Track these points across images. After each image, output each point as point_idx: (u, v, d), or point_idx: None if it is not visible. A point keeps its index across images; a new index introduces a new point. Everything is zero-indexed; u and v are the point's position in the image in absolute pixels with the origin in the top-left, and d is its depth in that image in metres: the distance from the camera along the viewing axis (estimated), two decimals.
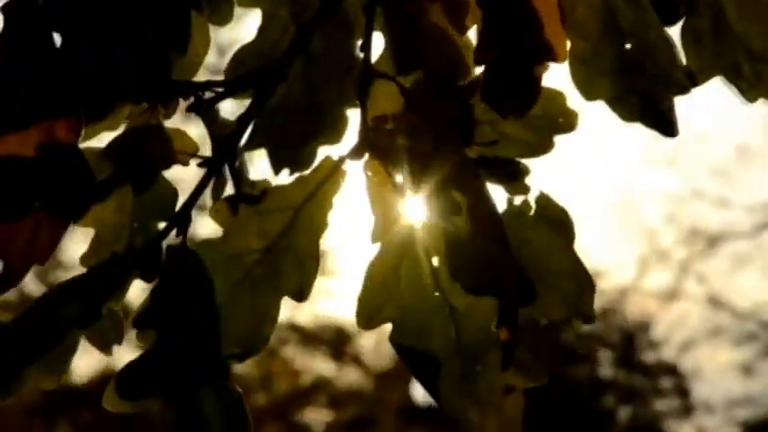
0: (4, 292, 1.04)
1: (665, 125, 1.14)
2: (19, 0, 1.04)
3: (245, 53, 1.23)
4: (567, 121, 1.16)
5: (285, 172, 1.20)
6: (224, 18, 1.23)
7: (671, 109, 1.14)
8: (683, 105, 1.15)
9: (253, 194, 1.13)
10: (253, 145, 1.20)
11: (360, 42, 1.16)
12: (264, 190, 1.14)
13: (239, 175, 1.14)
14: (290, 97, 1.21)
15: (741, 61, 1.14)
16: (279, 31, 1.24)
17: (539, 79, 1.08)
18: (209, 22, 1.21)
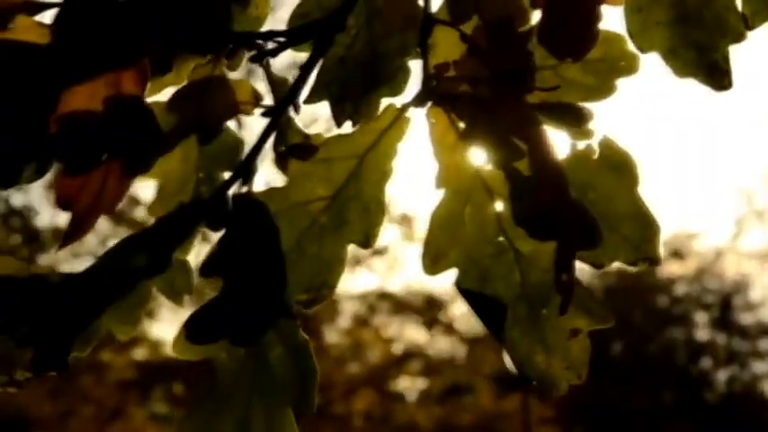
0: (71, 242, 1.06)
1: (720, 77, 1.13)
2: None
3: (307, 6, 1.23)
4: (628, 64, 1.15)
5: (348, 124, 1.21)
6: None
7: (726, 59, 1.13)
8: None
9: (312, 145, 1.14)
10: (315, 98, 1.21)
11: None
12: (326, 140, 1.15)
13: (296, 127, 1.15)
14: (353, 50, 1.21)
15: None
16: None
17: (596, 21, 1.08)
18: None
